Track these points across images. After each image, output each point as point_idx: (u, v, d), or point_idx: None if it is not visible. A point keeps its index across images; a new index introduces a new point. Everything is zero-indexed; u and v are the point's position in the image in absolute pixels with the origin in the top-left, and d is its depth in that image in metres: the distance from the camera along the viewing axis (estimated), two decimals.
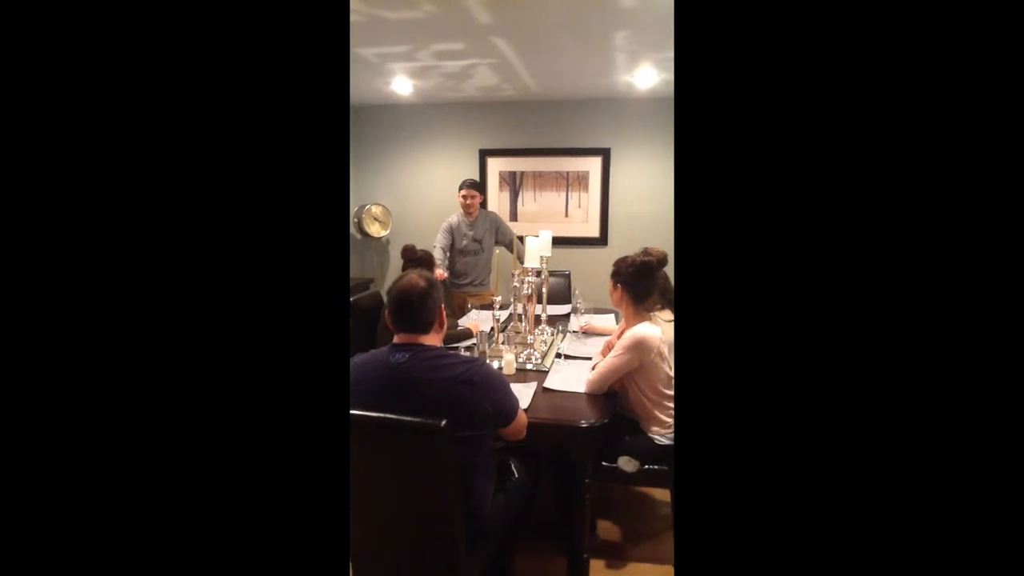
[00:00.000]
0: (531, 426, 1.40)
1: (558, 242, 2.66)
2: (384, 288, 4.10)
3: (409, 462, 1.15)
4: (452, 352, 1.28)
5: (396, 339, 1.26)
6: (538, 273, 2.15)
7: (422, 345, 1.24)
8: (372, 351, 1.31)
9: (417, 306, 1.23)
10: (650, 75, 2.92)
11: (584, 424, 1.50)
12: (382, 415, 1.12)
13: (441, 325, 1.29)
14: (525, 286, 2.19)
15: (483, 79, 3.07)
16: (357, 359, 1.27)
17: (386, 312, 1.27)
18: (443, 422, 1.08)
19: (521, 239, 2.38)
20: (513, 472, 1.48)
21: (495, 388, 1.24)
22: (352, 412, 1.10)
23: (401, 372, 1.19)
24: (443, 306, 1.29)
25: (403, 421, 1.11)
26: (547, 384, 1.78)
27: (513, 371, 1.92)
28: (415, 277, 1.26)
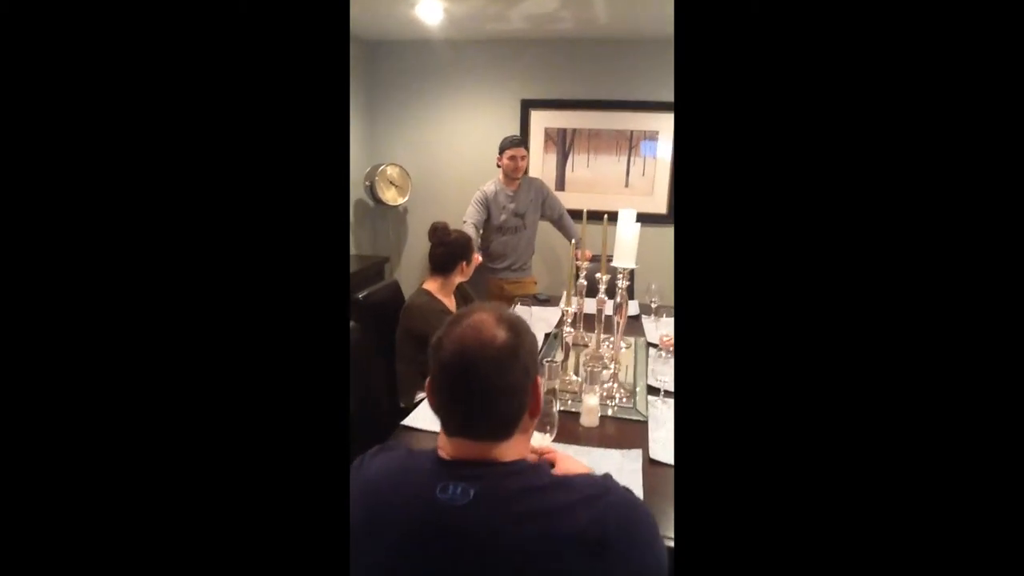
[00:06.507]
0: None
1: (616, 219, 1.97)
2: (399, 272, 3.45)
3: None
4: (555, 477, 0.64)
5: (447, 449, 0.63)
6: (629, 274, 1.49)
7: (500, 465, 0.61)
8: (396, 455, 0.68)
9: (494, 387, 0.60)
10: None
11: None
12: None
13: (533, 415, 0.66)
14: (602, 288, 1.54)
15: (536, 3, 2.35)
16: (369, 471, 0.65)
17: (427, 384, 0.65)
18: None
19: (580, 217, 1.72)
20: None
21: (643, 544, 0.62)
22: None
23: (462, 525, 0.57)
24: (539, 378, 0.65)
25: None
26: (654, 453, 1.17)
27: (596, 423, 1.30)
28: (490, 322, 0.62)
